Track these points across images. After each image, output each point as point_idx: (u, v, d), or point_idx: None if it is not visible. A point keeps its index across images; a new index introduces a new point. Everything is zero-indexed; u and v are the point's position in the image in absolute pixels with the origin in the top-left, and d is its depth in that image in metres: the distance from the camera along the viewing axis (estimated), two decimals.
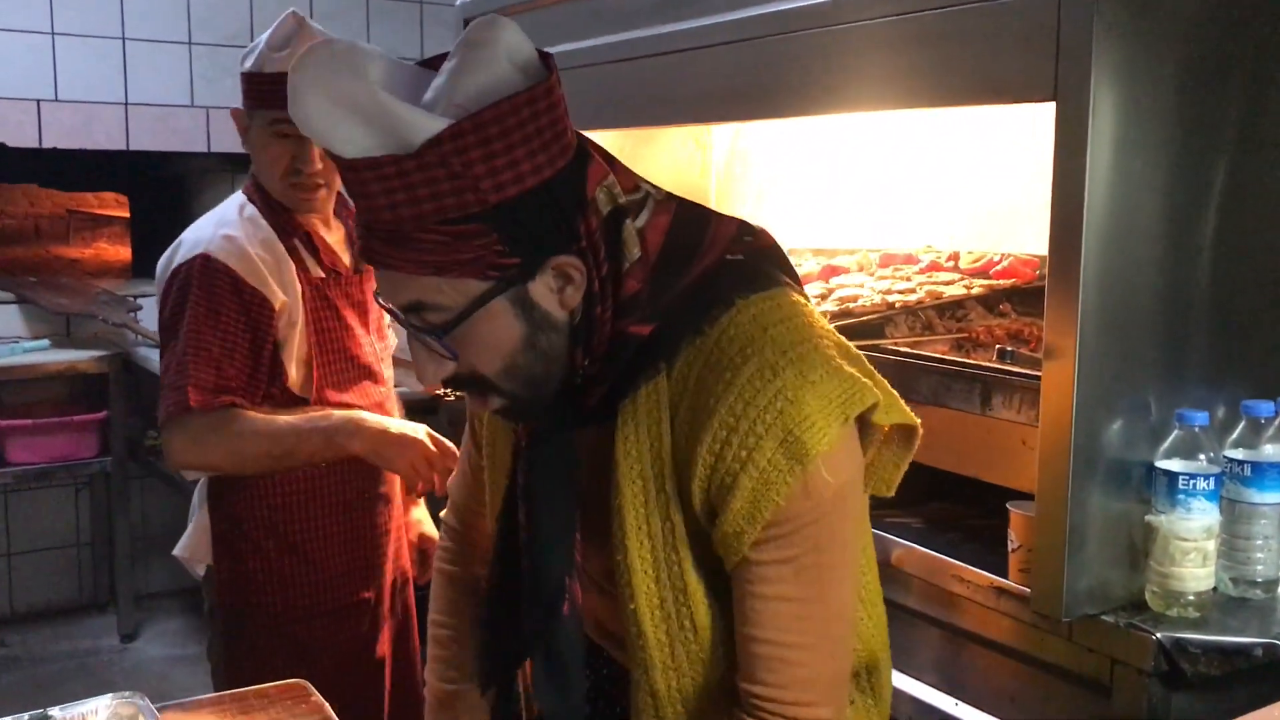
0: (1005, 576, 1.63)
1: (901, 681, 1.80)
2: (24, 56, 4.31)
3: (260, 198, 2.09)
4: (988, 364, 1.71)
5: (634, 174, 1.23)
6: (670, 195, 1.24)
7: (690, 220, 1.22)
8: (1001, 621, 1.64)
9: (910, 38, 1.72)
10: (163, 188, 5.26)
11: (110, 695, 1.64)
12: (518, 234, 1.08)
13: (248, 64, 2.05)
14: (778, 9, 2.02)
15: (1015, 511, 1.61)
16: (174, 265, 2.03)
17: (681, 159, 3.23)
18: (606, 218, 1.14)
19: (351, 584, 2.14)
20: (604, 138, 2.96)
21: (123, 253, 6.14)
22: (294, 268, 2.05)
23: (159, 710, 1.59)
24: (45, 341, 4.32)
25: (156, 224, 5.46)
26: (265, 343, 2.01)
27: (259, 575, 2.11)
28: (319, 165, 2.02)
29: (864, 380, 1.15)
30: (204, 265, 1.99)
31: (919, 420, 1.26)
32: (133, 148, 4.56)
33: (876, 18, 1.77)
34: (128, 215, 5.96)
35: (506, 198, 1.06)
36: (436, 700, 1.52)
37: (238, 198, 2.12)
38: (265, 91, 1.99)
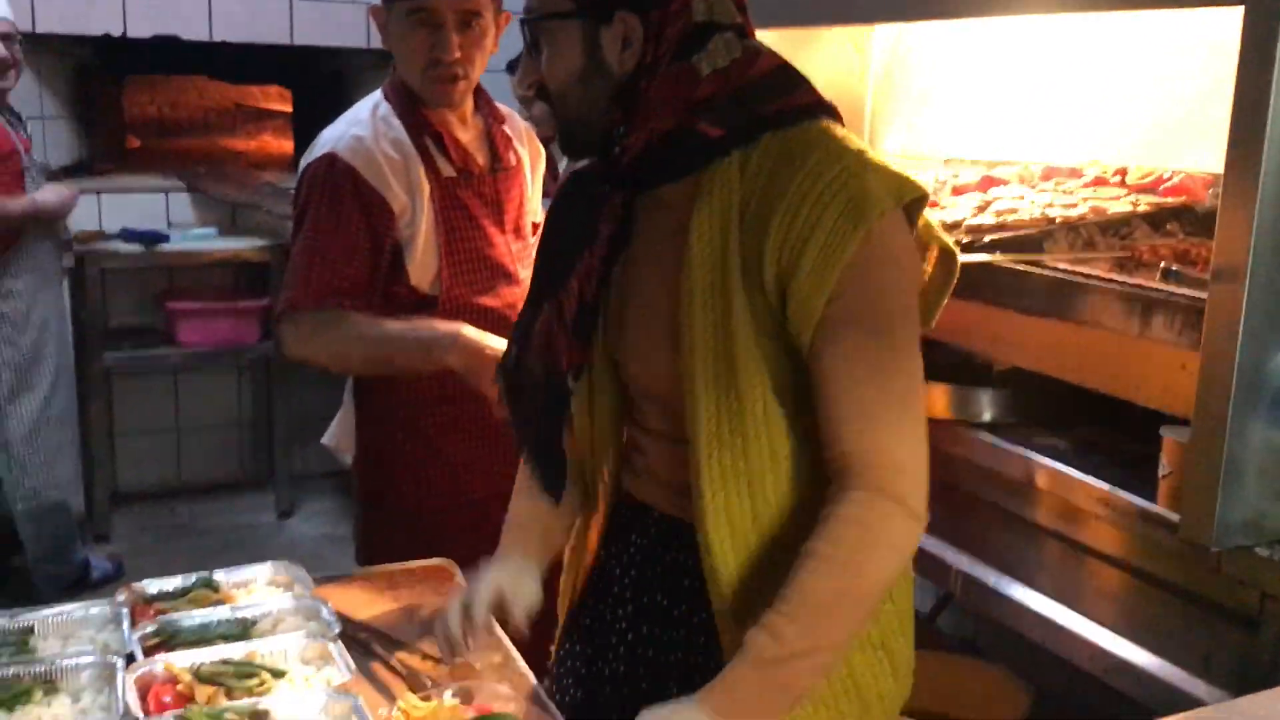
0: (1154, 503, 1.58)
1: (1038, 603, 1.78)
2: None
3: (396, 96, 2.09)
4: (1149, 284, 1.64)
5: (752, 29, 1.36)
6: (785, 61, 1.36)
7: (790, 77, 1.34)
8: (1147, 549, 1.60)
9: None
10: (324, 82, 5.38)
11: (270, 563, 1.74)
12: None
13: None
14: None
15: (1169, 437, 1.56)
16: (306, 164, 2.08)
17: (839, 63, 3.15)
18: (696, 23, 1.28)
19: (485, 479, 2.18)
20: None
21: (285, 146, 6.33)
22: (422, 167, 2.05)
23: (312, 579, 1.68)
24: (213, 229, 4.50)
25: (318, 118, 5.62)
26: (385, 243, 2.03)
27: (397, 469, 2.17)
28: (456, 54, 2.00)
29: (916, 178, 1.28)
30: (330, 166, 2.02)
31: (958, 249, 1.41)
32: (297, 42, 4.66)
33: None
34: (290, 109, 6.14)
35: None
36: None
37: (374, 96, 2.13)
38: None
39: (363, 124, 2.06)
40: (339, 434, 2.29)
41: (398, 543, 2.10)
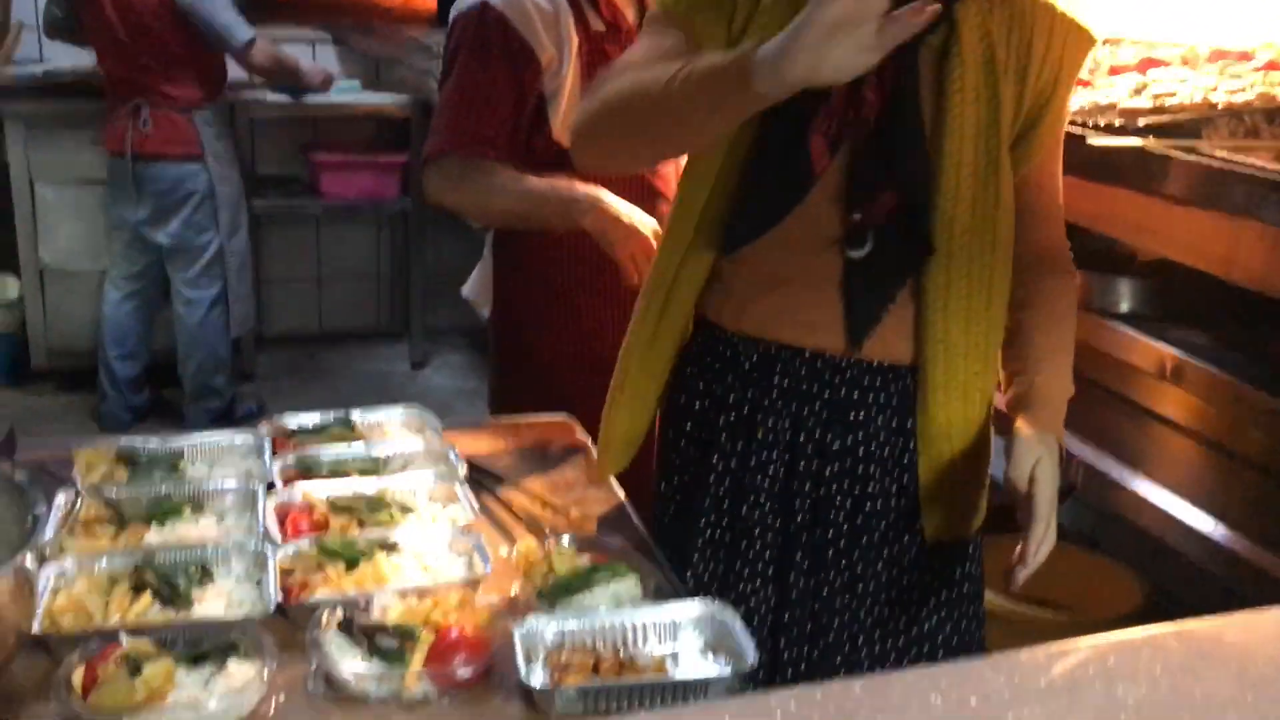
0: None
1: (1160, 497, 1.76)
2: None
3: None
4: None
5: None
6: None
7: None
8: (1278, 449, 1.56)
9: None
10: None
11: (402, 406, 1.82)
12: None
13: None
14: None
15: None
16: (458, 10, 2.10)
17: None
18: None
19: (614, 343, 2.21)
20: None
21: (429, 1, 6.34)
22: (572, 19, 2.04)
23: (442, 426, 1.75)
24: (356, 82, 4.57)
25: None
26: (529, 94, 2.03)
27: (532, 322, 2.22)
28: None
29: None
30: (481, 13, 2.03)
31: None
32: None
33: None
34: None
35: None
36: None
37: None
38: None
39: None
40: (478, 286, 2.35)
41: (527, 395, 2.16)
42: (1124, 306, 1.88)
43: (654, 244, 1.94)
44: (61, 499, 1.41)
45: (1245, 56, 2.20)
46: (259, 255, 4.71)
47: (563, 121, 2.04)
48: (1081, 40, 1.44)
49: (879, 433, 1.46)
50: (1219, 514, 1.65)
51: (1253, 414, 1.59)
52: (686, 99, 1.26)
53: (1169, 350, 1.73)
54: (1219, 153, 1.74)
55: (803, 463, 1.46)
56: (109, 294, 4.02)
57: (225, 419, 4.11)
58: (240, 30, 3.82)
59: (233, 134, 4.15)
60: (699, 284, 1.50)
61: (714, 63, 1.23)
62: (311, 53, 4.63)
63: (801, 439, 1.46)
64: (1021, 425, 1.42)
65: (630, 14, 2.12)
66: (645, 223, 1.97)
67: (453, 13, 2.12)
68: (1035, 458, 1.40)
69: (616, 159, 1.54)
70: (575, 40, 2.03)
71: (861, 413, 1.45)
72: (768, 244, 1.41)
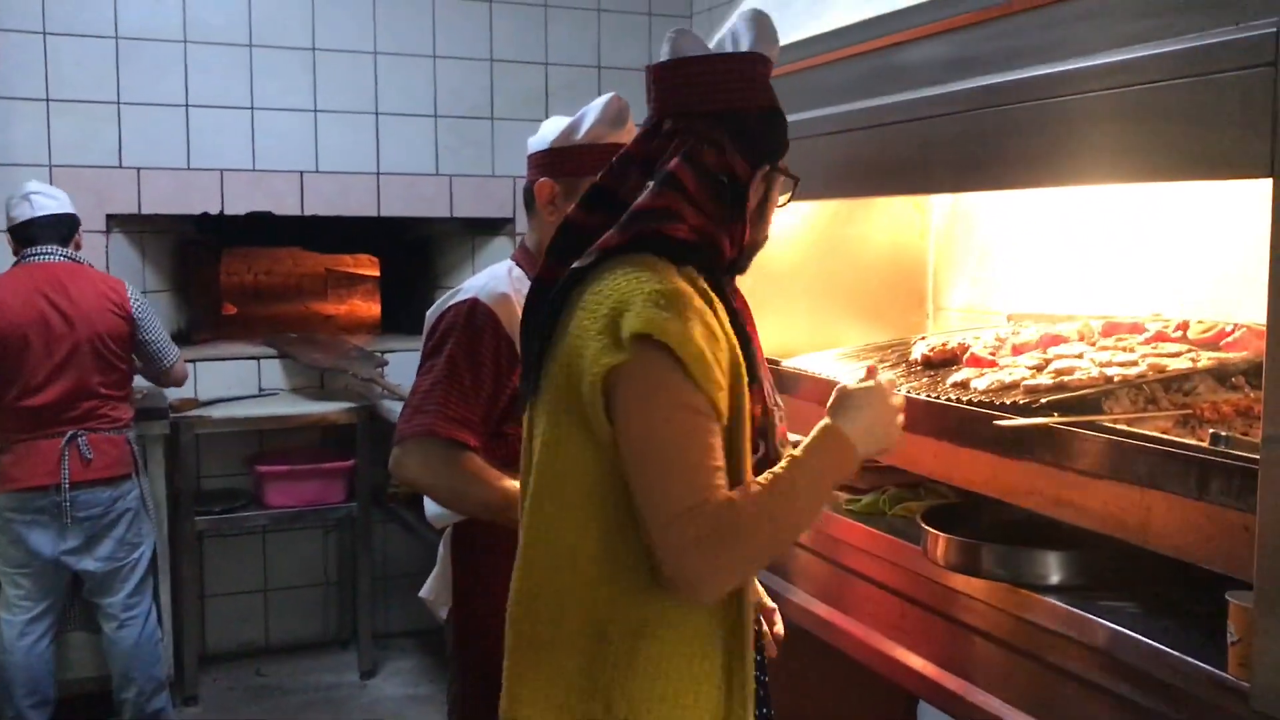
0: (1224, 670, 1.55)
1: None
2: (291, 133, 4.71)
3: (527, 261, 2.27)
4: (1204, 446, 1.64)
5: None
6: None
7: None
8: (1220, 717, 1.56)
9: (1126, 111, 1.69)
10: (409, 249, 5.61)
11: None
12: None
13: (578, 137, 2.25)
14: (993, 81, 2.02)
15: (1234, 602, 1.53)
16: (448, 305, 2.23)
17: (900, 220, 3.23)
18: None
19: None
20: (821, 202, 3.01)
21: (373, 309, 6.58)
22: None
23: None
24: (299, 395, 4.66)
25: (404, 282, 5.86)
26: (505, 389, 2.15)
27: (495, 628, 2.20)
28: None
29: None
30: (472, 308, 2.18)
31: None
32: (384, 214, 4.89)
33: (1091, 91, 1.75)
34: (379, 274, 6.39)
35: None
36: None
37: (505, 263, 2.32)
38: (590, 158, 2.20)
39: (501, 280, 2.24)
40: (435, 588, 2.35)
41: (488, 693, 2.13)
42: (1054, 579, 1.91)
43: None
44: None
45: (1137, 328, 2.34)
46: (203, 571, 4.66)
47: None
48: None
49: None
50: None
51: (1189, 681, 1.60)
52: (810, 506, 1.53)
53: (1101, 622, 1.75)
54: (1120, 425, 1.83)
55: None
56: (16, 642, 3.77)
57: None
58: (173, 349, 3.98)
59: (178, 450, 4.20)
60: None
61: (817, 465, 1.53)
62: (257, 367, 4.75)
63: None
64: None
65: None
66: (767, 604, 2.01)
67: (437, 308, 2.27)
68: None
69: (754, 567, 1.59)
70: None
71: None
72: None
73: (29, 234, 3.80)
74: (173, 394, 4.26)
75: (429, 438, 2.10)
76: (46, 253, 3.79)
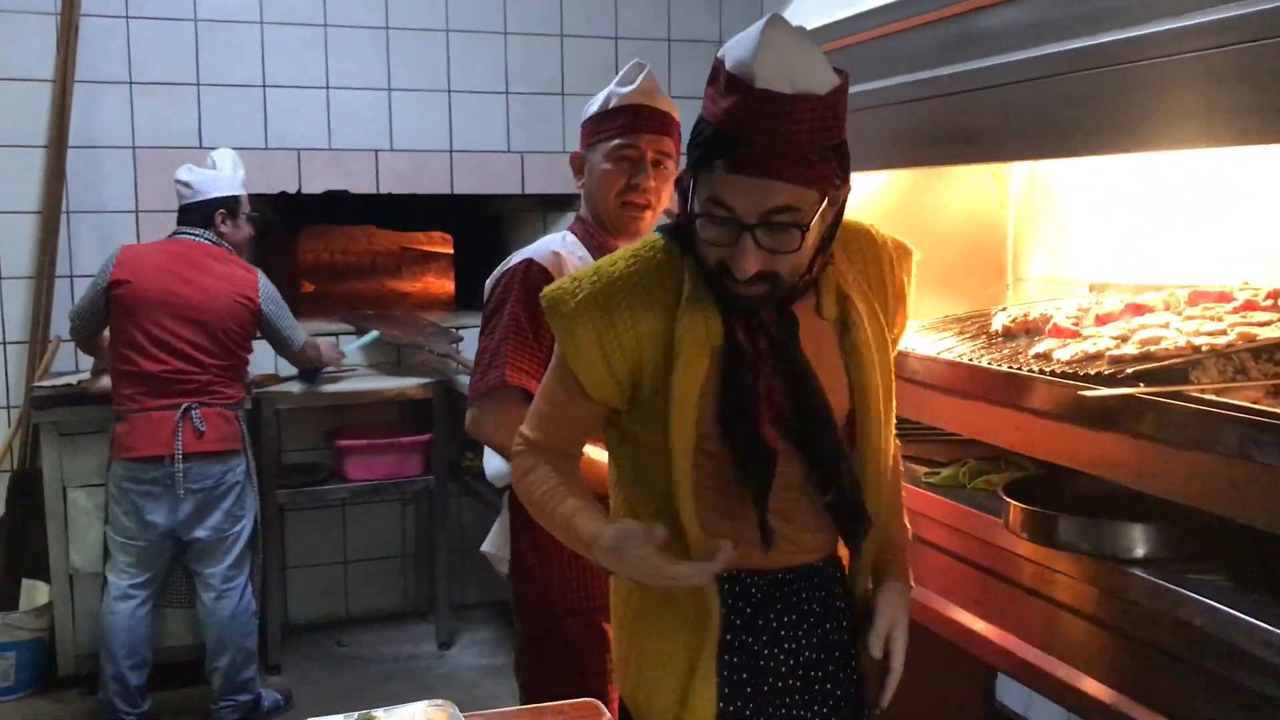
0: None
1: None
2: (365, 111, 4.77)
3: (581, 229, 2.38)
4: None
5: None
6: None
7: None
8: None
9: (1212, 74, 1.65)
10: (482, 226, 5.65)
11: (425, 702, 1.81)
12: (843, 164, 1.59)
13: (593, 109, 2.39)
14: (1074, 46, 1.98)
15: None
16: (504, 269, 2.32)
17: (977, 190, 3.18)
18: None
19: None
20: (898, 172, 2.98)
21: (447, 286, 6.64)
22: None
23: (465, 717, 1.73)
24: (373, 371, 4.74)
25: (477, 259, 5.91)
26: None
27: (549, 585, 2.25)
28: (651, 183, 2.32)
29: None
30: (527, 268, 2.27)
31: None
32: (456, 191, 4.93)
33: (1176, 54, 1.71)
34: (452, 252, 6.45)
35: (844, 137, 1.57)
36: (598, 509, 1.74)
37: (561, 232, 2.41)
38: (611, 124, 2.34)
39: (553, 242, 2.35)
40: (497, 540, 2.39)
41: (551, 653, 2.17)
42: (1139, 552, 1.88)
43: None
44: None
45: (1225, 297, 2.28)
46: (284, 543, 4.76)
47: None
48: (906, 257, 1.87)
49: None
50: None
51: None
52: (552, 528, 1.76)
53: (1191, 596, 1.72)
54: (1208, 394, 1.79)
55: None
56: (119, 604, 3.93)
57: (253, 714, 4.05)
58: (301, 333, 4.12)
59: (259, 425, 4.29)
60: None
61: (577, 527, 1.69)
62: (335, 343, 4.83)
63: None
64: (880, 594, 1.82)
65: None
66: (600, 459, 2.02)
67: (495, 274, 2.35)
68: (891, 623, 1.79)
69: None
70: None
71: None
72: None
73: (181, 216, 4.04)
74: (254, 369, 4.36)
75: (501, 389, 2.16)
76: (190, 233, 3.99)
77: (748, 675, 1.75)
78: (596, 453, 2.04)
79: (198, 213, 4.00)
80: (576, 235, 2.38)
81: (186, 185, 4.01)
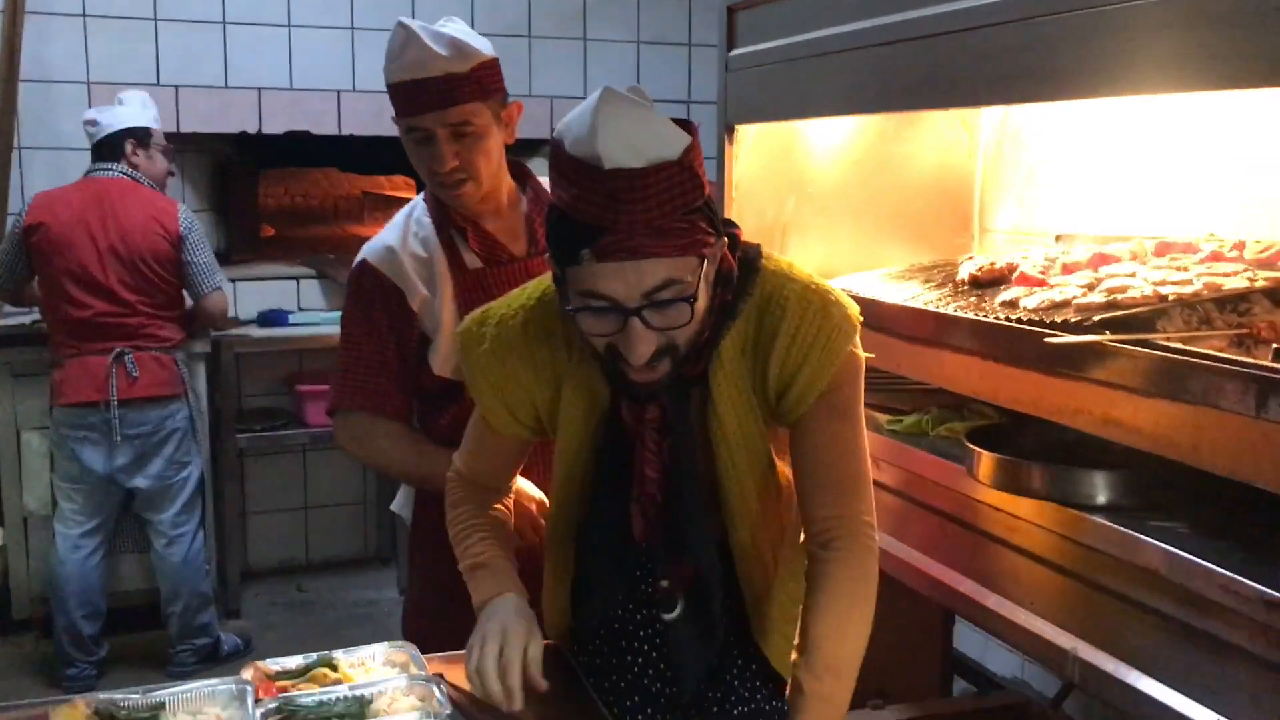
0: (1279, 590, 1.53)
1: (1159, 692, 1.73)
2: (328, 51, 4.68)
3: (432, 200, 2.18)
4: (1265, 363, 1.60)
5: None
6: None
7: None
8: (1274, 637, 1.54)
9: (1184, 17, 1.63)
10: None
11: (386, 643, 1.79)
12: (713, 219, 1.49)
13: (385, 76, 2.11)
14: None
15: None
16: (353, 265, 2.20)
17: (947, 139, 3.16)
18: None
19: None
20: (864, 120, 2.95)
21: None
22: (445, 261, 2.11)
23: (426, 659, 1.72)
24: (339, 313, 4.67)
25: None
26: (411, 336, 2.11)
27: (433, 537, 2.20)
28: (452, 163, 2.04)
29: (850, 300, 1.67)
30: (360, 272, 2.15)
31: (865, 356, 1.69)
32: None
33: None
34: (414, 196, 6.37)
35: (707, 193, 1.48)
36: (498, 567, 1.74)
37: (418, 198, 2.24)
38: (396, 103, 2.07)
39: (396, 227, 2.18)
40: (401, 502, 2.35)
41: (447, 611, 2.13)
42: (1101, 499, 1.89)
43: (535, 511, 1.97)
44: None
45: (1190, 248, 2.29)
46: (244, 489, 4.72)
47: (442, 359, 2.11)
48: (830, 338, 1.60)
49: None
50: (1226, 713, 1.62)
51: (1241, 601, 1.59)
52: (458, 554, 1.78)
53: (1151, 542, 1.73)
54: (1174, 343, 1.79)
55: None
56: (68, 553, 3.89)
57: (212, 657, 4.03)
58: (215, 278, 3.97)
59: (219, 369, 4.23)
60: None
61: (471, 582, 1.73)
62: (296, 287, 4.76)
63: None
64: (801, 698, 1.54)
65: (516, 245, 2.18)
66: (528, 493, 2.01)
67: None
68: None
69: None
70: (450, 279, 2.10)
71: None
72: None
73: (93, 155, 3.92)
74: None
75: (340, 412, 2.14)
76: (104, 169, 3.88)
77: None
78: (529, 487, 2.03)
79: (106, 147, 3.88)
80: (428, 205, 2.18)
81: (93, 123, 3.90)
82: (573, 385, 1.63)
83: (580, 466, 1.67)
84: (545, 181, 2.21)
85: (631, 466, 1.62)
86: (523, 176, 2.25)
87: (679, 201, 1.42)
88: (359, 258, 2.17)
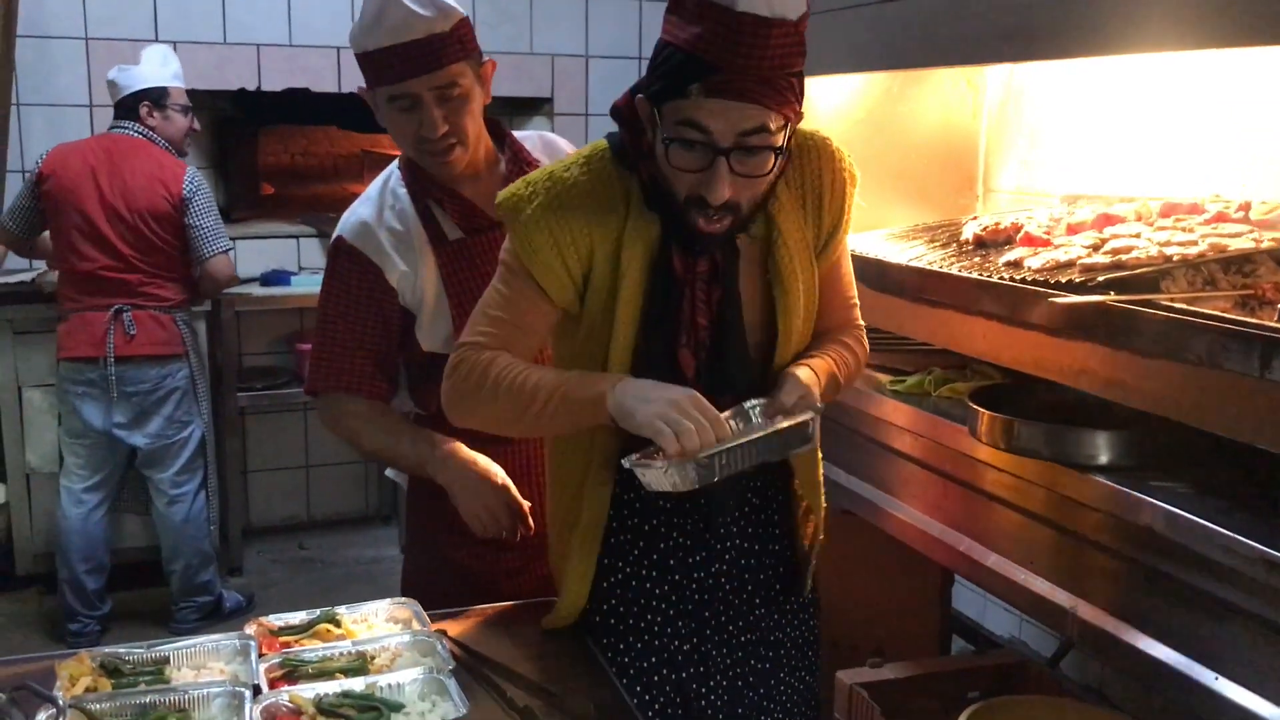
0: (1279, 550, 1.53)
1: (1161, 653, 1.74)
2: (327, 6, 4.63)
3: (405, 164, 2.10)
4: (1268, 324, 1.60)
5: None
6: None
7: None
8: (1273, 597, 1.55)
9: None
10: None
11: (388, 599, 1.80)
12: (801, 89, 1.56)
13: (354, 46, 2.01)
14: None
15: None
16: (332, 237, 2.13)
17: (952, 99, 3.14)
18: None
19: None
20: (868, 78, 2.93)
21: None
22: (424, 234, 2.04)
23: (428, 614, 1.73)
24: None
25: None
26: (393, 312, 2.05)
27: (427, 502, 2.17)
28: (443, 129, 1.97)
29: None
30: (336, 250, 2.08)
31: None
32: None
33: None
34: None
35: (802, 65, 1.55)
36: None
37: (392, 166, 2.14)
38: (373, 72, 1.98)
39: (371, 200, 2.10)
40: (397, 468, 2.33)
41: (442, 573, 2.13)
42: (1102, 459, 1.89)
43: (499, 498, 1.95)
44: (43, 717, 1.39)
45: (1196, 209, 2.27)
46: (245, 447, 4.72)
47: (426, 331, 2.06)
48: (850, 183, 1.79)
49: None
50: (1225, 671, 1.64)
51: (1242, 561, 1.59)
52: (552, 417, 1.64)
53: (1152, 502, 1.73)
54: (1178, 304, 1.79)
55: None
56: (71, 507, 3.92)
57: (214, 614, 4.06)
58: (220, 243, 3.93)
59: (219, 327, 4.23)
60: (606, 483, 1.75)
61: (578, 395, 1.61)
62: (296, 246, 4.75)
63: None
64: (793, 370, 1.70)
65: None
66: (494, 474, 1.99)
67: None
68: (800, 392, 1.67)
69: (488, 429, 1.83)
70: (430, 252, 2.04)
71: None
72: None
73: (115, 114, 3.98)
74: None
75: (317, 395, 2.11)
76: (121, 127, 3.92)
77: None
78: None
79: (124, 107, 3.93)
80: (403, 176, 2.09)
81: (113, 84, 3.95)
82: (633, 237, 1.66)
83: (634, 313, 1.68)
84: (523, 139, 2.19)
85: (680, 314, 1.68)
86: (500, 136, 2.17)
87: (789, 60, 1.50)
88: (335, 233, 2.09)
